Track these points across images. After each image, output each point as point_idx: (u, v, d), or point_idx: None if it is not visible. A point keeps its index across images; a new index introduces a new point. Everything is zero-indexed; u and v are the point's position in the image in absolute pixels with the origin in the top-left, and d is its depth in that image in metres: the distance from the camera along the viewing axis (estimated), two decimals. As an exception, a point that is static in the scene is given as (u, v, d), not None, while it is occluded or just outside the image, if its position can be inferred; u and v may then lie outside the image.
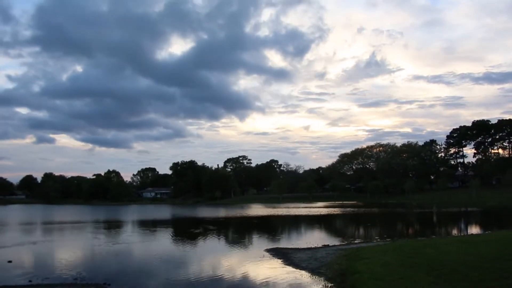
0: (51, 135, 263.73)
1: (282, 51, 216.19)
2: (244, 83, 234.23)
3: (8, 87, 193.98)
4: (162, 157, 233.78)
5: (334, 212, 60.10)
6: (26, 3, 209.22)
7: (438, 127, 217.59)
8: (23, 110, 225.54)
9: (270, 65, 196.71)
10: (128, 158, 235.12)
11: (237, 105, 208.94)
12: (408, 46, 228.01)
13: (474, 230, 33.94)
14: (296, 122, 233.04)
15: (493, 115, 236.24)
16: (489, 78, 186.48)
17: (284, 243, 25.48)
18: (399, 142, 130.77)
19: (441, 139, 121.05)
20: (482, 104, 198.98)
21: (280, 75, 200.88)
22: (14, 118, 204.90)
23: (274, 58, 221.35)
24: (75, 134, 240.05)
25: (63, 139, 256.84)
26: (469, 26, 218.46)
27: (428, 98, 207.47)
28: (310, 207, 75.79)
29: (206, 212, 68.32)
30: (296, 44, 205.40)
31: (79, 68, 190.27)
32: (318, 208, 71.08)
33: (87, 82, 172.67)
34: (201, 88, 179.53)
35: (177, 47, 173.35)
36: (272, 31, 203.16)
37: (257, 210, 71.39)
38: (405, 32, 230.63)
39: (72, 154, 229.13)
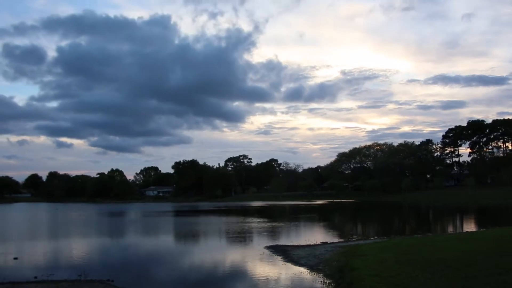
0: (63, 140, 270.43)
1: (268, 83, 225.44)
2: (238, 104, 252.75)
3: (32, 102, 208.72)
4: (165, 157, 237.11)
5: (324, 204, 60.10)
6: (54, 45, 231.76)
7: (439, 126, 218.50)
8: (42, 121, 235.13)
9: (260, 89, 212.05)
10: (132, 158, 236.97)
11: (236, 117, 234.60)
12: (408, 41, 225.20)
13: (469, 227, 33.92)
14: (297, 122, 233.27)
15: (494, 112, 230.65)
16: (486, 81, 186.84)
17: (284, 240, 25.50)
18: (399, 141, 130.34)
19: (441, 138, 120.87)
20: (482, 102, 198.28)
21: (263, 96, 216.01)
22: (31, 126, 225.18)
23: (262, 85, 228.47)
24: (86, 140, 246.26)
25: (74, 144, 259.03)
26: (473, 19, 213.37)
27: (427, 98, 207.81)
28: (310, 205, 75.86)
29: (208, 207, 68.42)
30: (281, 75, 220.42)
31: (98, 90, 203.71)
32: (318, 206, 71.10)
33: (105, 101, 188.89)
34: (202, 106, 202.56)
35: (182, 77, 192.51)
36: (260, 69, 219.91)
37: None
38: (406, 26, 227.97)
39: (78, 154, 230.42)
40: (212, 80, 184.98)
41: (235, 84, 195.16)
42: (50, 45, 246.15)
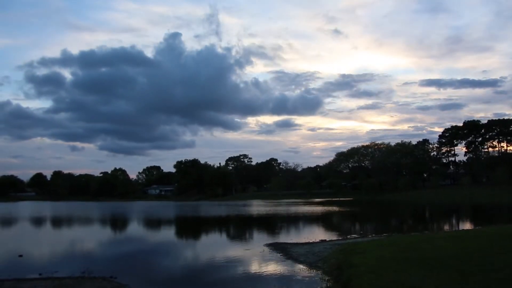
0: (75, 144, 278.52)
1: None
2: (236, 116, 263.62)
3: (48, 114, 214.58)
4: (168, 157, 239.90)
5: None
6: (71, 73, 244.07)
7: (439, 126, 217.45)
8: (55, 129, 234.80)
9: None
10: (136, 158, 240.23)
11: (236, 126, 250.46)
12: (409, 36, 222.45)
13: (465, 225, 33.94)
14: (297, 121, 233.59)
15: (494, 111, 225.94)
16: (480, 84, 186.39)
17: (283, 237, 25.50)
18: (398, 140, 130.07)
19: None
20: (481, 102, 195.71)
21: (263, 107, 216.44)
22: (46, 133, 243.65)
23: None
24: (95, 145, 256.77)
25: (84, 147, 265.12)
26: (476, 13, 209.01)
27: (427, 98, 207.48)
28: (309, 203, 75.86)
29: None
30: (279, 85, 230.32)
31: (109, 105, 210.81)
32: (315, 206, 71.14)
33: (116, 114, 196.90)
34: (204, 118, 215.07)
35: (186, 95, 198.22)
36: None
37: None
38: (406, 21, 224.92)
39: (83, 154, 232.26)
40: (213, 98, 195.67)
41: (234, 99, 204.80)
42: (67, 75, 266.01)
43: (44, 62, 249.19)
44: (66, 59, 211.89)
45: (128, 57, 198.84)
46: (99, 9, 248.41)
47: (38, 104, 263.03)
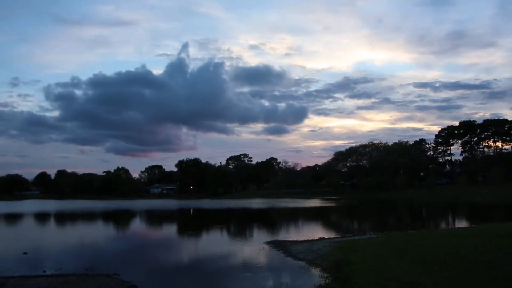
0: (82, 147, 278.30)
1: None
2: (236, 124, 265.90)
3: (56, 122, 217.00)
4: (170, 156, 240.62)
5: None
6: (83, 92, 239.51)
7: (440, 125, 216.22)
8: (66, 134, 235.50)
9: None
10: (138, 158, 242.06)
11: (235, 132, 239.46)
12: (409, 32, 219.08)
13: (461, 224, 33.93)
14: (297, 120, 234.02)
15: (494, 110, 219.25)
16: (475, 86, 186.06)
17: (283, 235, 25.50)
18: (397, 140, 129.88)
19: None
20: (480, 102, 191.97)
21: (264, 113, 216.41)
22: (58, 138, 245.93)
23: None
24: (102, 147, 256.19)
25: (89, 149, 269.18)
26: (479, 5, 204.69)
27: (426, 97, 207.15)
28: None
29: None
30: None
31: (118, 115, 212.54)
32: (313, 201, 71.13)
33: (126, 122, 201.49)
34: (206, 126, 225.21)
35: (188, 107, 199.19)
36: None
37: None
38: (408, 17, 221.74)
39: (87, 154, 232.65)
40: (214, 109, 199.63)
41: (234, 110, 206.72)
42: (80, 93, 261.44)
43: (59, 84, 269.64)
44: (78, 83, 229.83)
45: (136, 78, 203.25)
46: (87, 2, 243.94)
47: (52, 114, 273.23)
